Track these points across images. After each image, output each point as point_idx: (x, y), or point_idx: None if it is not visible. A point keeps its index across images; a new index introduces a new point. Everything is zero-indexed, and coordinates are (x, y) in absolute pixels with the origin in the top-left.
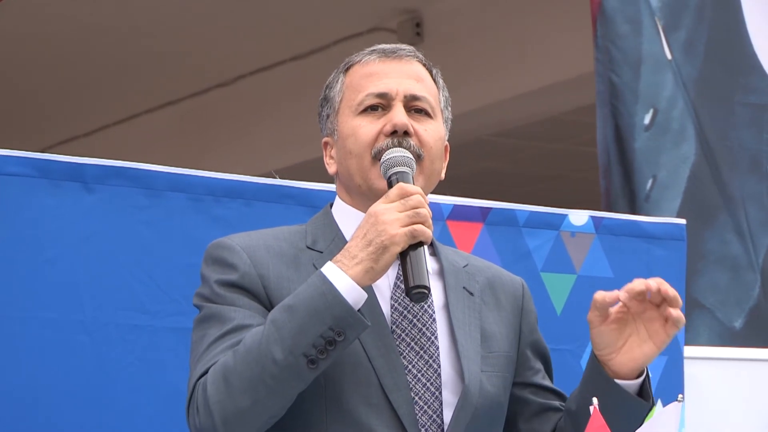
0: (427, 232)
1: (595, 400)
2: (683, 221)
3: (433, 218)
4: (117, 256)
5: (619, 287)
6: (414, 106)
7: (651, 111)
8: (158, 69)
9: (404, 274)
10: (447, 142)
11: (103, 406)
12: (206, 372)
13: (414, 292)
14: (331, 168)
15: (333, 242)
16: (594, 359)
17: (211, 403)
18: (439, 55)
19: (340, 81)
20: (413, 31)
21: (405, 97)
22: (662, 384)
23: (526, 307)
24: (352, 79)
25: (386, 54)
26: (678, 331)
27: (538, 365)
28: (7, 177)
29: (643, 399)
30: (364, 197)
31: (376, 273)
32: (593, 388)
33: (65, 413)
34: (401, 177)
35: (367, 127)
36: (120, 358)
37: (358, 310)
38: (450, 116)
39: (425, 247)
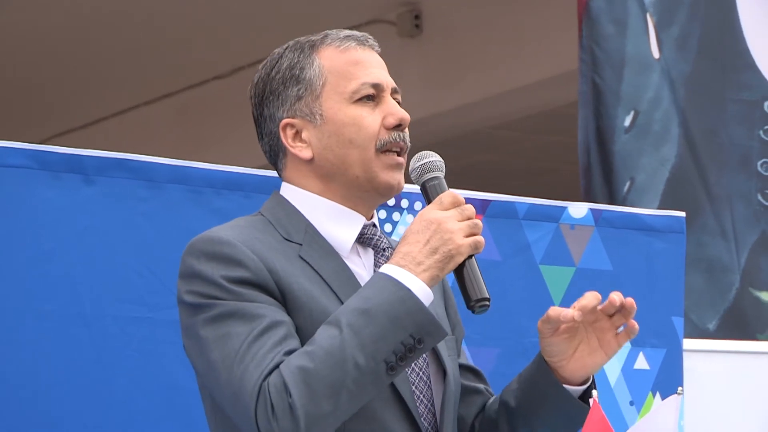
0: (484, 244)
1: (594, 392)
2: (683, 214)
3: None
4: (116, 248)
5: (618, 280)
6: (395, 99)
7: (632, 113)
8: (157, 61)
9: (463, 286)
10: None
11: (102, 399)
12: (270, 373)
13: (479, 305)
14: (305, 152)
15: (306, 233)
16: (542, 362)
17: (296, 407)
18: (438, 47)
19: (315, 63)
20: (412, 24)
21: (391, 89)
22: (661, 377)
23: (446, 289)
24: (334, 64)
25: (361, 42)
26: (629, 340)
27: (462, 345)
28: (6, 168)
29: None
30: (353, 188)
31: (438, 281)
32: (539, 389)
33: (64, 405)
34: (441, 184)
35: (369, 118)
36: (118, 350)
37: None
38: None
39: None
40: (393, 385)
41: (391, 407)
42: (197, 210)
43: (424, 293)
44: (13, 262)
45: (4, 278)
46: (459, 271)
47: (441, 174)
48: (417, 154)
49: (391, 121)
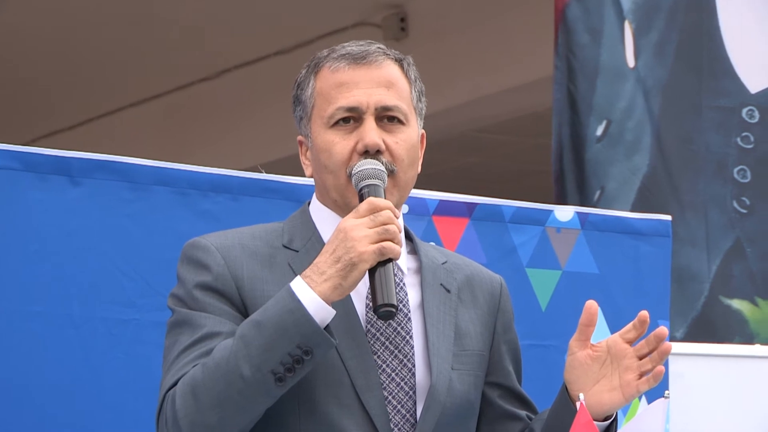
0: (396, 249)
1: (581, 395)
2: (669, 217)
3: (419, 214)
4: (103, 250)
5: (604, 283)
6: (386, 115)
7: (604, 123)
8: (144, 63)
9: (372, 292)
10: (423, 130)
11: (90, 400)
12: (176, 383)
13: (381, 310)
14: (308, 170)
15: (309, 241)
16: (565, 392)
17: (179, 417)
18: (424, 50)
19: (311, 85)
20: (398, 26)
21: (376, 109)
22: None
23: (502, 306)
24: (322, 86)
25: (356, 60)
26: (648, 389)
27: (510, 367)
28: None
29: None
30: (340, 209)
31: (345, 290)
32: (559, 418)
33: (52, 406)
34: (372, 190)
35: (339, 145)
36: (106, 351)
37: (328, 325)
38: (424, 107)
39: (403, 245)
40: (356, 392)
41: (353, 414)
42: (183, 212)
43: (315, 304)
44: (0, 264)
45: None
46: (372, 277)
47: (377, 181)
48: (359, 162)
49: (359, 147)
